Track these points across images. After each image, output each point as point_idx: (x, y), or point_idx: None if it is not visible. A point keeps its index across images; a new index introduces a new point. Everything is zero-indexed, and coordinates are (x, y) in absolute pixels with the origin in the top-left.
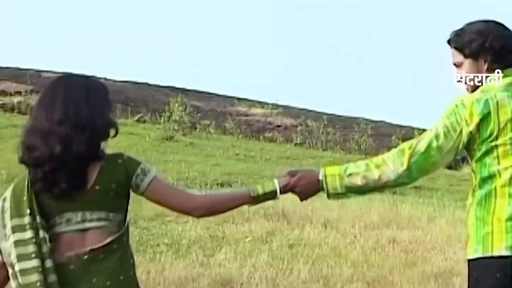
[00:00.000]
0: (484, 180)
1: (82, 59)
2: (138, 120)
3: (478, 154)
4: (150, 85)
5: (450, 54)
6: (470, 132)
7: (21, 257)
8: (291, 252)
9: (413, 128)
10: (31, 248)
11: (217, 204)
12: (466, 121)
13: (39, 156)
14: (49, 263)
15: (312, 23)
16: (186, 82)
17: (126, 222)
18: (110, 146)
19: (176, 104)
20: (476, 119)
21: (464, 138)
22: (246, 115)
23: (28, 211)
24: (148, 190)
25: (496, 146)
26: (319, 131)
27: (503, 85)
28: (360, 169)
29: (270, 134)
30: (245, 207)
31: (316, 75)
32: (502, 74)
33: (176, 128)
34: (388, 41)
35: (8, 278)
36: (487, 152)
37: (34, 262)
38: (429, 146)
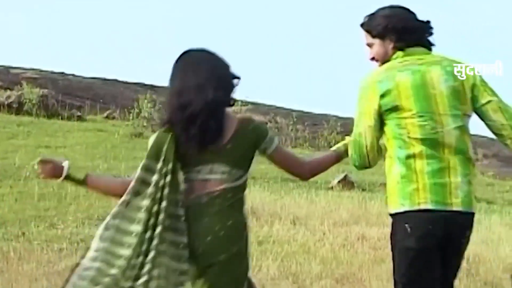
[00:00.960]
0: (397, 147)
1: (50, 55)
2: (107, 117)
3: (390, 127)
4: (119, 81)
5: (364, 36)
6: (378, 110)
7: (136, 193)
8: (260, 249)
9: None
10: (150, 189)
11: (320, 167)
12: (371, 100)
13: (193, 110)
14: (163, 204)
15: (280, 19)
16: (155, 78)
17: (246, 178)
18: (78, 143)
19: (145, 101)
20: (378, 98)
21: (375, 115)
22: None
23: (162, 157)
24: (273, 154)
25: (404, 118)
26: (288, 127)
27: (404, 62)
28: None
29: None
30: None
31: (285, 72)
32: (404, 53)
33: (145, 124)
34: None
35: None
36: (396, 125)
37: (147, 202)
38: (355, 134)
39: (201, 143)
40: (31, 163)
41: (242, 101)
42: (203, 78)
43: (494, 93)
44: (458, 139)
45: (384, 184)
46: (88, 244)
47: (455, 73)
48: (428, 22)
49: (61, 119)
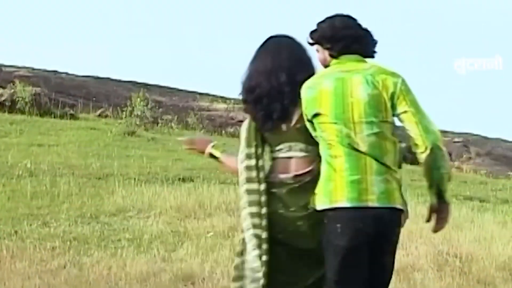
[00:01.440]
0: (323, 148)
1: (43, 53)
2: (99, 115)
3: (316, 129)
4: (112, 80)
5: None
6: (305, 114)
7: (248, 180)
8: None
9: None
10: (254, 173)
11: None
12: (303, 104)
13: (260, 92)
14: (262, 187)
15: (268, 18)
16: (148, 77)
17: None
18: (71, 141)
19: (138, 99)
20: (305, 103)
21: (306, 118)
22: (208, 110)
23: (254, 143)
24: None
25: (324, 123)
26: None
27: (334, 70)
28: None
29: (232, 129)
30: (208, 201)
31: None
32: (337, 60)
33: (138, 123)
34: None
35: None
36: (319, 128)
37: (255, 186)
38: None
39: (266, 123)
40: (24, 162)
41: (234, 100)
42: (277, 62)
43: (412, 104)
44: (372, 145)
45: None
46: (80, 242)
47: (375, 82)
48: (367, 31)
49: (54, 117)
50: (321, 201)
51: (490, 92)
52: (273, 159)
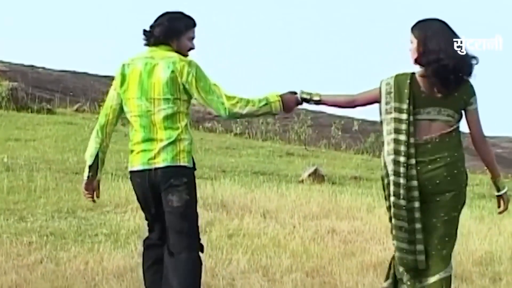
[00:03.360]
0: (128, 123)
1: (20, 47)
2: (77, 110)
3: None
4: (89, 74)
5: None
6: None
7: (396, 131)
8: (230, 242)
9: (352, 119)
10: (403, 126)
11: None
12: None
13: (442, 64)
14: (412, 140)
15: (251, 9)
16: None
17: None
18: (48, 136)
19: None
20: (118, 80)
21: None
22: None
23: (407, 100)
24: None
25: (129, 99)
26: (258, 121)
27: (145, 54)
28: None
29: (210, 124)
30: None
31: (255, 64)
32: (149, 48)
33: None
34: (328, 33)
35: None
36: (126, 101)
37: (403, 137)
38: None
39: (437, 90)
40: (0, 156)
41: None
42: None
43: (203, 90)
44: (166, 117)
45: (355, 178)
46: (57, 237)
47: (173, 67)
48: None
49: (31, 112)
50: (129, 164)
51: (488, 74)
52: (417, 120)
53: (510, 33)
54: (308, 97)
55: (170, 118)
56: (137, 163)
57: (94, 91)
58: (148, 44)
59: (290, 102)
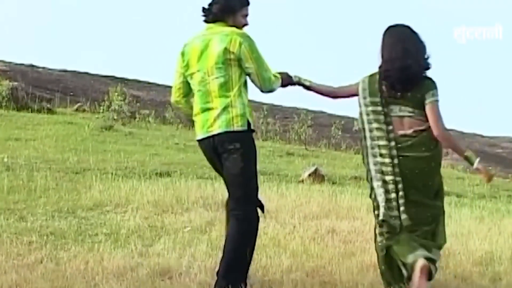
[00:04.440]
0: (193, 95)
1: (20, 47)
2: (77, 110)
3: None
4: (89, 74)
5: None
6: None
7: (374, 121)
8: None
9: (352, 119)
10: (381, 117)
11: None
12: (178, 59)
13: (391, 67)
14: (390, 127)
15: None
16: (126, 71)
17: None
18: (48, 136)
19: (116, 94)
20: (179, 60)
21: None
22: None
23: (379, 94)
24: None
25: (192, 73)
26: (259, 121)
27: (203, 32)
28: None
29: None
30: (185, 196)
31: None
32: (207, 25)
33: (115, 117)
34: (327, 32)
35: None
36: (190, 77)
37: (383, 126)
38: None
39: (390, 91)
40: (0, 156)
41: None
42: (406, 52)
43: (256, 61)
44: (220, 85)
45: (355, 178)
46: (57, 237)
47: (227, 39)
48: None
49: (31, 111)
50: (196, 134)
51: (489, 62)
52: (389, 117)
53: (510, 21)
54: (298, 80)
55: (224, 86)
56: (199, 132)
57: (94, 90)
58: (206, 20)
59: (284, 81)
